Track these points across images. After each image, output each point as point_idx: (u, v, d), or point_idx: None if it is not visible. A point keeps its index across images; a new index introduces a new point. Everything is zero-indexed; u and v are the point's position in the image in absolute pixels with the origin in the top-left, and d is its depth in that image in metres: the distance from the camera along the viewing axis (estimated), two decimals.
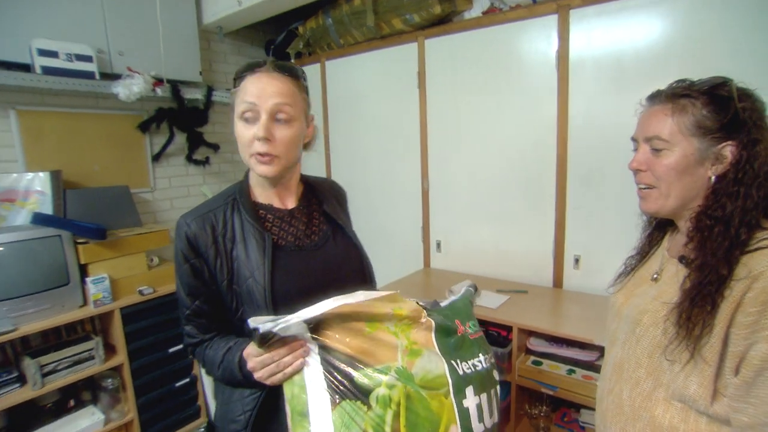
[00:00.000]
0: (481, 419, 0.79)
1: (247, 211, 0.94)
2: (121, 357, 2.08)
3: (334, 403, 0.73)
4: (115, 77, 2.24)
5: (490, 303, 1.87)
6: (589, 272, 1.97)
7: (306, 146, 1.02)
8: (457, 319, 0.87)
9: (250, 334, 0.83)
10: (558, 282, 2.07)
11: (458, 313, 0.90)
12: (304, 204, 1.03)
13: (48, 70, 2.02)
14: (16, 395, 1.82)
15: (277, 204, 0.99)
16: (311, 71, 2.85)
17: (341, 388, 0.74)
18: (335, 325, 0.77)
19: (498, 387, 0.89)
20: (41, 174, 2.08)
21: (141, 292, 2.15)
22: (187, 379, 2.34)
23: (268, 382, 0.81)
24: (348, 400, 0.73)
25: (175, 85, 2.49)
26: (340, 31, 2.59)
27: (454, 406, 0.76)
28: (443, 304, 0.94)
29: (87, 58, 2.13)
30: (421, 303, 0.87)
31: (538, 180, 2.06)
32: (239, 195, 0.97)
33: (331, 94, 2.83)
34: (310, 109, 0.99)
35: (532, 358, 1.73)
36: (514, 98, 2.08)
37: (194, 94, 2.62)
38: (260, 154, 0.88)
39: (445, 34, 2.26)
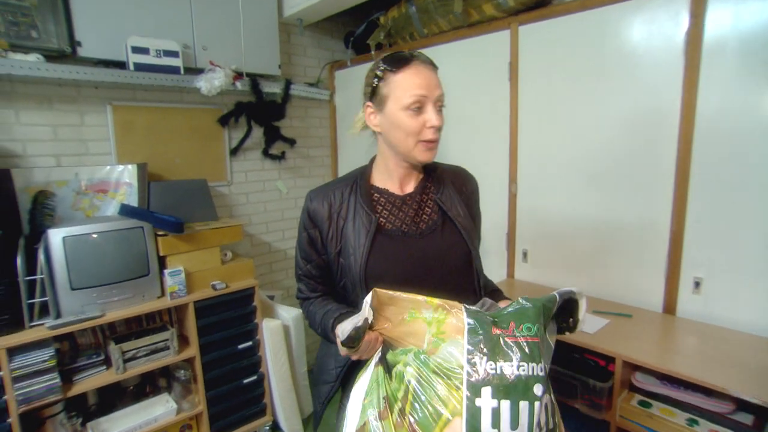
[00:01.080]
0: (496, 425, 0.76)
1: (363, 193, 1.05)
2: (193, 350, 2.16)
3: (376, 365, 0.90)
4: (198, 72, 2.33)
5: (586, 326, 1.67)
6: (712, 299, 1.69)
7: None
8: (512, 321, 0.82)
9: (347, 300, 1.07)
10: (670, 307, 1.80)
11: (517, 317, 0.82)
12: (419, 191, 1.08)
13: (139, 67, 2.14)
14: (103, 377, 1.95)
15: (393, 189, 1.07)
16: None
17: (380, 356, 0.90)
18: (381, 314, 0.88)
19: (540, 403, 0.77)
20: (129, 166, 2.21)
21: (214, 287, 2.22)
22: (255, 377, 2.38)
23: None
24: (382, 367, 0.89)
25: (255, 79, 2.54)
26: (423, 20, 2.48)
27: (464, 399, 0.77)
28: (509, 309, 0.86)
29: (173, 54, 2.23)
30: (471, 307, 0.87)
31: (650, 186, 1.80)
32: (360, 178, 1.09)
33: None
34: None
35: (639, 397, 1.50)
36: (623, 92, 1.83)
37: (272, 88, 2.66)
38: (430, 141, 0.99)
39: (542, 19, 2.05)
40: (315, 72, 3.08)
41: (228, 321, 2.28)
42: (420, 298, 0.86)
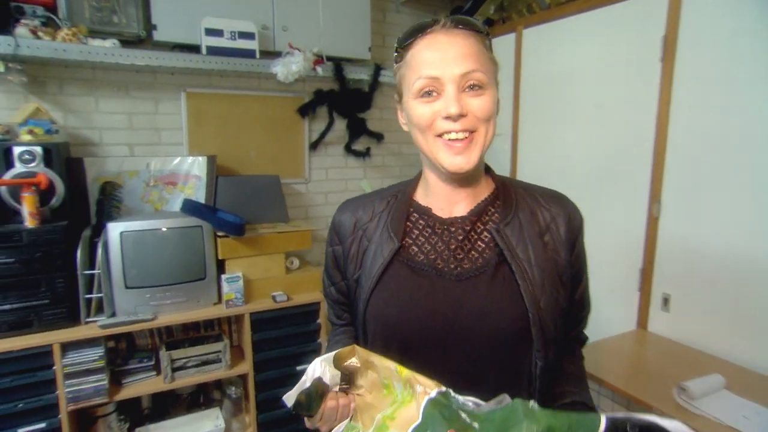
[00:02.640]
0: None
1: (396, 210, 0.84)
2: (246, 366, 2.01)
3: None
4: (276, 55, 2.16)
5: (736, 418, 1.13)
6: None
7: None
8: None
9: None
10: None
11: (503, 428, 0.58)
12: (472, 215, 0.79)
13: (212, 50, 2.03)
14: (151, 384, 1.89)
15: (436, 209, 0.82)
16: (503, 43, 2.35)
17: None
18: (361, 376, 0.76)
19: None
20: (200, 158, 2.13)
21: (274, 298, 2.04)
22: None
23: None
24: None
25: (338, 64, 2.31)
26: None
27: None
28: (495, 409, 0.62)
29: (249, 36, 2.08)
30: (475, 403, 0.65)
31: None
32: (401, 190, 0.88)
33: (527, 72, 2.27)
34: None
35: None
36: None
37: (359, 74, 2.41)
38: (452, 139, 0.72)
39: None
40: None
41: (287, 338, 2.09)
42: (391, 365, 0.69)
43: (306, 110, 2.40)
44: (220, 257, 1.96)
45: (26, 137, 1.70)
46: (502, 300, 0.74)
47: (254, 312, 1.99)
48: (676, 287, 1.69)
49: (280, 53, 2.17)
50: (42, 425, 1.68)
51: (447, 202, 0.81)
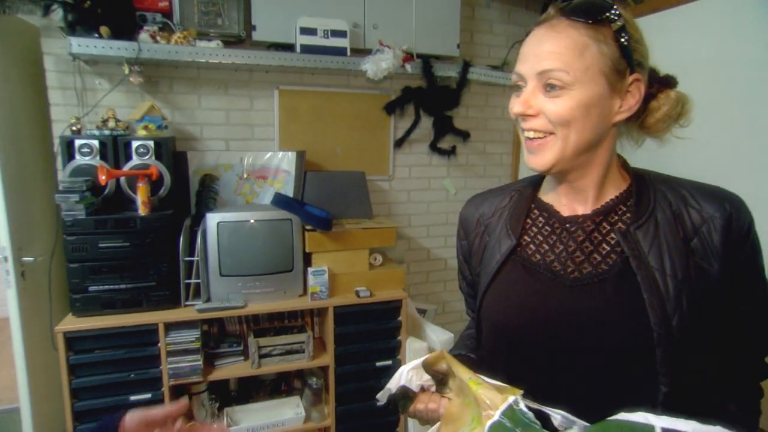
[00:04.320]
0: None
1: (517, 206, 0.82)
2: (328, 358, 2.07)
3: None
4: (367, 53, 2.20)
5: None
6: None
7: (642, 127, 0.75)
8: None
9: None
10: None
11: None
12: (596, 214, 0.74)
13: (306, 49, 2.11)
14: (239, 368, 2.02)
15: (559, 206, 0.78)
16: None
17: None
18: (452, 382, 0.76)
19: None
20: (289, 153, 2.23)
21: (357, 293, 2.08)
22: None
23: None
24: None
25: (427, 61, 2.31)
26: None
27: None
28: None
29: (341, 34, 2.14)
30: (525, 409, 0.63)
31: None
32: (526, 186, 0.85)
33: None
34: (633, 66, 0.68)
35: None
36: None
37: (447, 71, 2.39)
38: (528, 138, 0.71)
39: None
40: (501, 52, 2.69)
41: (369, 333, 2.13)
42: (465, 376, 0.69)
43: (393, 107, 2.42)
44: (307, 250, 2.04)
45: (142, 132, 1.87)
46: (622, 313, 0.67)
47: (338, 306, 2.04)
48: None
49: (370, 51, 2.20)
50: (148, 395, 1.85)
51: (568, 198, 0.76)
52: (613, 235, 0.72)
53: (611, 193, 0.75)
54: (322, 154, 2.38)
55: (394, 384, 0.77)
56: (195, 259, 1.93)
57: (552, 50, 0.66)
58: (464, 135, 2.61)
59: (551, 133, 0.68)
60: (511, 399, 0.63)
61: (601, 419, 0.59)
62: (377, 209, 2.50)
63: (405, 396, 0.78)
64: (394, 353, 2.18)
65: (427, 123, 2.54)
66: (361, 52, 2.21)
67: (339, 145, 2.40)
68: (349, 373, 2.11)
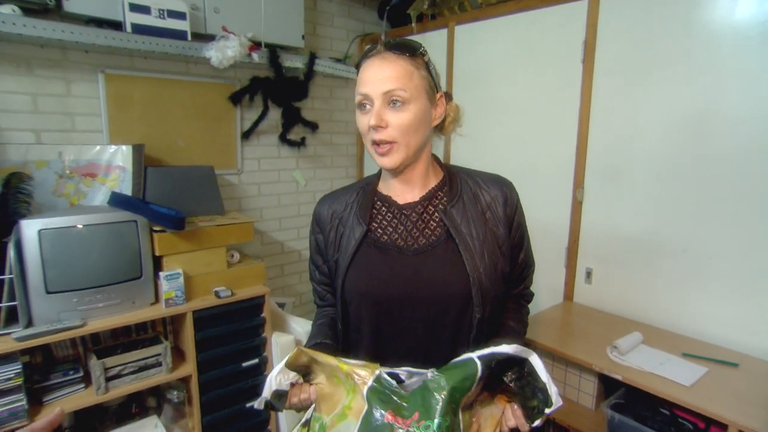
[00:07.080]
0: None
1: (363, 200, 1.03)
2: (189, 367, 1.92)
3: (302, 425, 0.98)
4: (208, 39, 2.06)
5: (675, 374, 1.38)
6: None
7: (440, 129, 1.01)
8: (418, 411, 0.76)
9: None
10: None
11: (424, 406, 0.76)
12: (424, 200, 0.99)
13: (138, 29, 1.88)
14: (80, 397, 1.72)
15: (396, 197, 1.01)
16: (435, 38, 2.47)
17: (307, 417, 0.95)
18: (319, 372, 0.88)
19: None
20: (124, 148, 1.96)
21: (217, 294, 1.97)
22: None
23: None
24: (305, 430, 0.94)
25: (274, 51, 2.27)
26: None
27: None
28: (416, 387, 0.80)
29: (180, 15, 1.96)
30: (388, 372, 0.84)
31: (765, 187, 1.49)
32: (367, 183, 1.07)
33: (459, 68, 2.42)
34: (438, 87, 0.96)
35: None
36: (735, 75, 1.52)
37: (294, 62, 2.38)
38: (377, 144, 0.91)
39: None
40: (342, 46, 2.79)
41: (232, 334, 2.03)
42: (332, 362, 0.84)
43: (239, 98, 2.32)
44: (156, 254, 1.84)
45: None
46: (449, 268, 0.93)
47: (197, 309, 1.90)
48: (597, 263, 1.96)
49: (211, 36, 2.07)
50: None
51: (401, 190, 1.00)
52: (437, 214, 0.97)
53: (432, 183, 1.00)
54: (164, 148, 2.15)
55: (266, 391, 0.87)
56: (7, 277, 1.58)
57: (391, 75, 0.88)
58: (313, 126, 2.65)
59: (395, 142, 0.89)
60: (377, 371, 0.82)
61: (442, 363, 0.82)
62: (227, 204, 2.38)
63: (279, 396, 0.88)
64: (260, 351, 2.13)
65: (275, 114, 2.50)
66: (203, 37, 2.06)
67: (180, 137, 2.20)
68: (214, 379, 1.99)
